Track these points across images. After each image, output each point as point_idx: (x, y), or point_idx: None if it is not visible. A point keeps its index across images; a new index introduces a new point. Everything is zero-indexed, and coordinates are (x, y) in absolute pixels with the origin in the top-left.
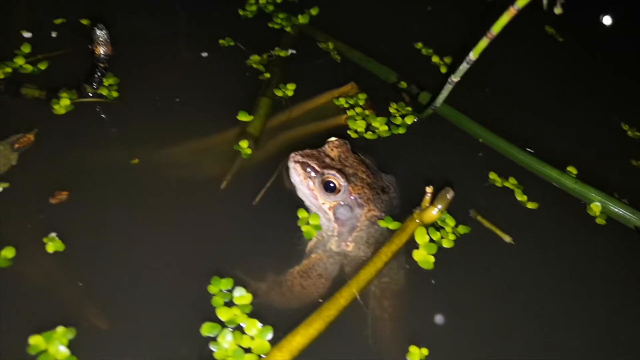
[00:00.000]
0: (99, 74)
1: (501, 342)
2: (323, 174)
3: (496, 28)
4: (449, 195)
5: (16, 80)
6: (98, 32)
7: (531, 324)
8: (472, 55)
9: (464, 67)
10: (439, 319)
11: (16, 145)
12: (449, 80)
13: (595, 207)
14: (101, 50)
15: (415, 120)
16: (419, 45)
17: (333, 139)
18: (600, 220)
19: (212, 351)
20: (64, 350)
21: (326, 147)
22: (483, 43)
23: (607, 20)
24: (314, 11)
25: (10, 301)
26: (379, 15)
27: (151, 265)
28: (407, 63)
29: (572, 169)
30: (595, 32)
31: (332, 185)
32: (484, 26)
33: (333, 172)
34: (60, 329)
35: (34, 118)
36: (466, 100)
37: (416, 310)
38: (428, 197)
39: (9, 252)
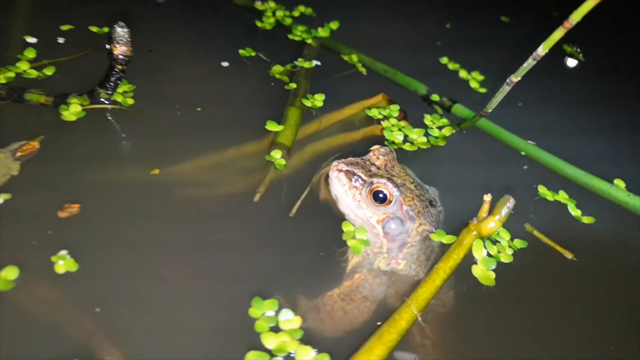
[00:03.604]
0: (115, 76)
1: None
2: (372, 182)
3: (575, 17)
4: (510, 203)
5: (20, 86)
6: (118, 29)
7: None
8: (541, 50)
9: (528, 63)
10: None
11: (18, 154)
12: (508, 81)
13: None
14: (120, 50)
15: (454, 132)
16: (445, 60)
17: (377, 146)
18: None
19: None
20: None
21: (370, 156)
22: (557, 34)
23: (571, 63)
24: (333, 25)
25: (14, 331)
26: (399, 32)
27: (179, 287)
28: (434, 77)
29: (619, 182)
30: (614, 45)
31: (382, 195)
32: (503, 43)
33: (384, 180)
34: None
35: (40, 125)
36: (500, 115)
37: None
38: (486, 206)
39: (11, 273)
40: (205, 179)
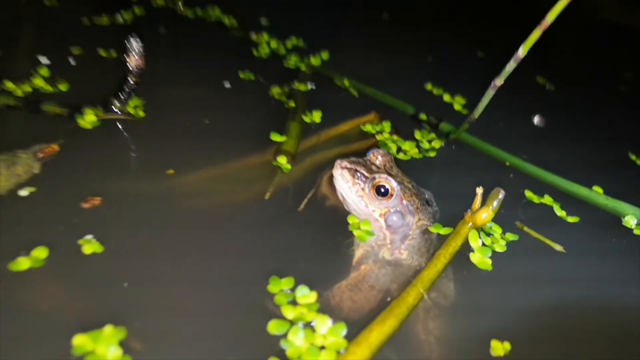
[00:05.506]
0: (130, 86)
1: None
2: (374, 178)
3: (550, 17)
4: (501, 194)
5: (36, 99)
6: (133, 42)
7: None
8: (521, 52)
9: (510, 66)
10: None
11: (40, 155)
12: (492, 84)
13: (630, 220)
14: (134, 62)
15: (443, 144)
16: (429, 85)
17: (376, 149)
18: (637, 231)
19: (283, 350)
20: (115, 350)
21: (370, 156)
22: (535, 35)
23: (537, 121)
24: (324, 55)
25: (50, 302)
26: (385, 63)
27: (198, 271)
28: (420, 100)
29: (597, 189)
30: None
31: (383, 190)
32: (480, 75)
33: (385, 175)
34: (108, 328)
35: (58, 132)
36: (485, 132)
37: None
38: (479, 197)
39: (41, 252)
40: (218, 182)
